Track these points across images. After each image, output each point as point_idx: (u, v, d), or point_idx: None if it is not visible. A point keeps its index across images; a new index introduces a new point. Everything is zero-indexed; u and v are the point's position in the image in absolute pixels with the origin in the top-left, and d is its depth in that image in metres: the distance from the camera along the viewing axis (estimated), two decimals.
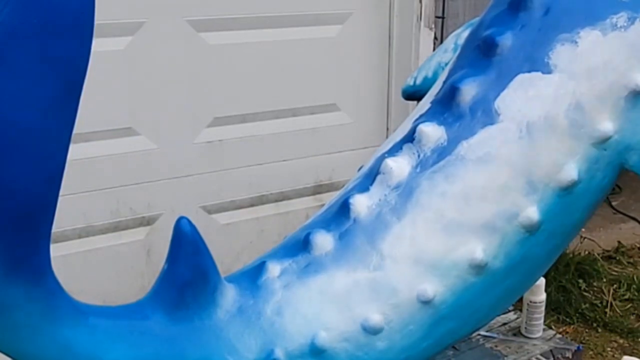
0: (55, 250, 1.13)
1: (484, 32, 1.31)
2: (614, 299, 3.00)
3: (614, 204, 3.69)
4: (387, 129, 2.94)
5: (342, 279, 1.22)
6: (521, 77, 1.24)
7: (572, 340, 2.43)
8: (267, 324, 1.21)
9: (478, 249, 1.20)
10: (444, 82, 1.33)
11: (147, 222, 2.57)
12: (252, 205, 2.77)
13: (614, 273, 3.19)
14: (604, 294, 3.02)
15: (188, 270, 1.16)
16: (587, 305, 2.94)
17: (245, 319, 1.22)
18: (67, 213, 2.31)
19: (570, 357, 1.94)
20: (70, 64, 0.93)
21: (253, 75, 2.63)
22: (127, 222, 2.54)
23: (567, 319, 2.90)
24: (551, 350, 1.94)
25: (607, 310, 2.93)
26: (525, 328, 2.00)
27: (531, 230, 1.22)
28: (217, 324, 1.20)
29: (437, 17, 2.84)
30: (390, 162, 1.26)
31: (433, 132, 1.25)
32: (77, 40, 0.92)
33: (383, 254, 1.22)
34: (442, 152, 1.24)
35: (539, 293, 2.00)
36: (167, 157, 2.54)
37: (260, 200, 2.79)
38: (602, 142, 1.22)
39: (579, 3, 1.26)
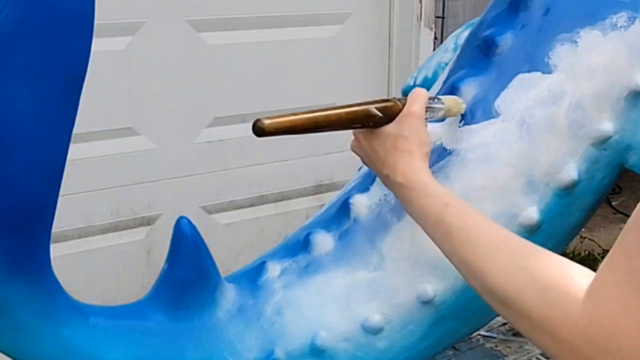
0: (55, 250, 1.13)
1: (484, 32, 1.30)
2: None
3: (614, 204, 3.68)
4: None
5: (342, 279, 1.22)
6: (521, 77, 1.23)
7: None
8: (267, 324, 1.21)
9: None
10: (444, 82, 1.33)
11: (147, 222, 2.57)
12: (252, 205, 2.77)
13: None
14: None
15: (188, 270, 1.16)
16: None
17: (245, 319, 1.22)
18: (67, 213, 2.30)
19: None
20: (70, 64, 0.93)
21: (253, 75, 2.62)
22: (127, 222, 2.54)
23: None
24: None
25: None
26: None
27: (531, 230, 1.22)
28: (217, 324, 1.20)
29: (437, 17, 2.83)
30: None
31: (433, 132, 1.25)
32: (78, 40, 0.92)
33: (383, 254, 1.21)
34: (442, 152, 1.24)
35: None
36: (167, 157, 2.53)
37: (260, 200, 2.78)
38: (602, 142, 1.22)
39: (579, 3, 1.25)
